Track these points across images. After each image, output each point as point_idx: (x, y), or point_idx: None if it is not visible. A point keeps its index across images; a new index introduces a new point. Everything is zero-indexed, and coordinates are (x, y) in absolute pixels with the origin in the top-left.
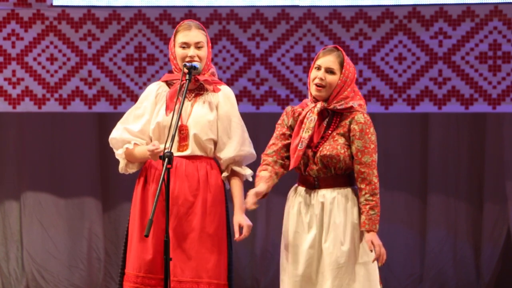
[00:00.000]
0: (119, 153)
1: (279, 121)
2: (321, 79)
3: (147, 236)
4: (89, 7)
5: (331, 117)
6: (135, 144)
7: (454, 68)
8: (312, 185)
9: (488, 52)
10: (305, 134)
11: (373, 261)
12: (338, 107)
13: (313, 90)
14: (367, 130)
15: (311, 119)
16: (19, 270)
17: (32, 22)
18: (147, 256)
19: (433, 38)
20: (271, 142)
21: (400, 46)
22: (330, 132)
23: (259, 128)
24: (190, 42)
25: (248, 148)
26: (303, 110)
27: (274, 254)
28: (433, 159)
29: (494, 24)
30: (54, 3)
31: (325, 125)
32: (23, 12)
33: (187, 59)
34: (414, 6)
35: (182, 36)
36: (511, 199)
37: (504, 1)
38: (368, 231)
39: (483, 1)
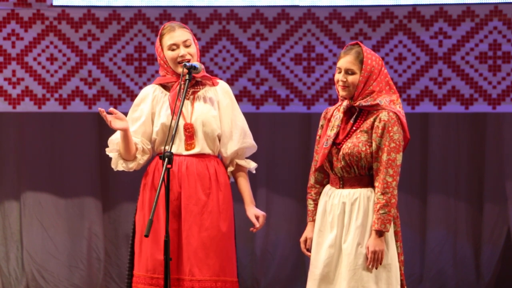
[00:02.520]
0: (108, 150)
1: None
2: (343, 81)
3: (147, 236)
4: (89, 7)
5: (358, 114)
6: None
7: (454, 68)
8: (337, 185)
9: (488, 52)
10: (330, 132)
11: (367, 265)
12: (364, 104)
13: (339, 90)
14: (390, 128)
15: (337, 117)
16: (19, 270)
17: (32, 22)
18: (159, 256)
19: (433, 38)
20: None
21: (400, 46)
22: (354, 129)
23: (259, 128)
24: (178, 42)
25: (250, 140)
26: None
27: (274, 254)
28: (433, 159)
29: (494, 24)
30: (54, 3)
31: (351, 122)
32: (23, 12)
33: (179, 59)
34: (414, 6)
35: (168, 38)
36: (511, 199)
37: (504, 1)
38: (377, 231)
39: (483, 1)
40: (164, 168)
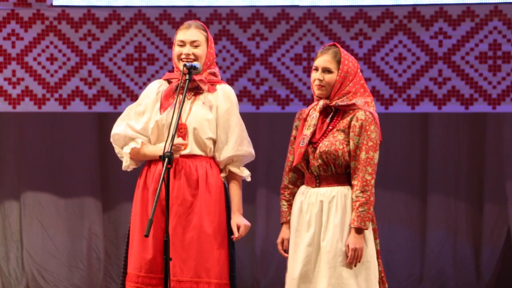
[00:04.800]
0: (125, 152)
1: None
2: (319, 80)
3: (147, 236)
4: (89, 7)
5: (334, 113)
6: (142, 143)
7: (454, 68)
8: (314, 184)
9: (488, 52)
10: (306, 131)
11: (348, 263)
12: (340, 104)
13: (315, 89)
14: (367, 127)
15: (313, 117)
16: (19, 270)
17: (32, 22)
18: (147, 255)
19: (433, 38)
20: (288, 152)
21: (400, 46)
22: (331, 128)
23: (259, 128)
24: (186, 41)
25: (247, 148)
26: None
27: (274, 254)
28: (433, 159)
29: (494, 24)
30: (54, 3)
31: (328, 121)
32: (23, 12)
33: (182, 57)
34: (414, 6)
35: (181, 34)
36: (511, 199)
37: (504, 1)
38: (356, 229)
39: (483, 1)
40: (164, 168)
